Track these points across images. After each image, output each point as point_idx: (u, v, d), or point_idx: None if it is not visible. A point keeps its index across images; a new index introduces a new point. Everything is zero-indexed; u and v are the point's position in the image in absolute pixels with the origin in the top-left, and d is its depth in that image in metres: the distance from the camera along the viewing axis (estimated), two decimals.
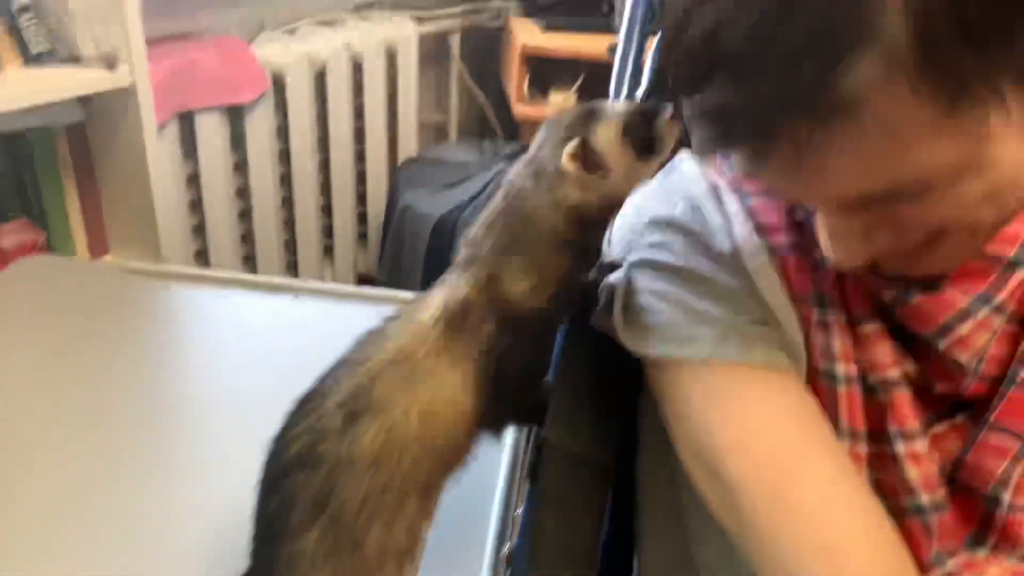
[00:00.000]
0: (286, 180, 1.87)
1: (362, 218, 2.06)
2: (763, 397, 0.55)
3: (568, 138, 0.57)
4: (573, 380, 0.65)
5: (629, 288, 0.60)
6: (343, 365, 0.60)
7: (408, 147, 2.06)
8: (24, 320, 1.04)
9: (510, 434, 0.72)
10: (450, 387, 0.59)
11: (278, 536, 0.58)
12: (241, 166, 1.77)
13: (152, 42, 1.36)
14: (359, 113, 1.93)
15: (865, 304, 0.55)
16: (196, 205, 1.71)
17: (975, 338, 0.52)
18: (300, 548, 0.57)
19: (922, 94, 0.39)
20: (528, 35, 1.92)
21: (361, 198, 2.03)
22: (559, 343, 0.67)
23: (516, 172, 0.61)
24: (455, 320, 0.59)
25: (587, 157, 0.57)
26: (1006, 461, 0.53)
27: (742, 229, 0.58)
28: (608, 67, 0.86)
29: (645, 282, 0.59)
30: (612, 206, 0.61)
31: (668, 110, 0.58)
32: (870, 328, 0.55)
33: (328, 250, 2.03)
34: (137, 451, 0.87)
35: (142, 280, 1.12)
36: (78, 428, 0.90)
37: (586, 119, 0.59)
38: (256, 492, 0.60)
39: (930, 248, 0.49)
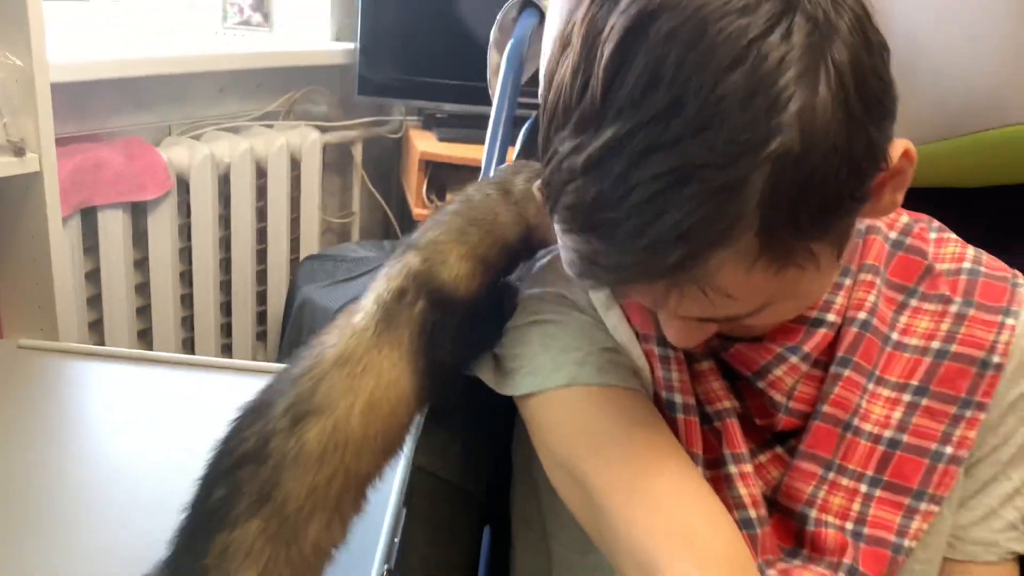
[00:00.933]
0: (186, 278, 1.91)
1: (262, 317, 2.10)
2: (618, 412, 0.62)
3: (540, 177, 0.63)
4: (447, 415, 0.72)
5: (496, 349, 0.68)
6: (286, 379, 0.63)
7: (310, 248, 2.13)
8: None
9: (401, 467, 0.78)
10: (389, 368, 0.62)
11: (217, 525, 0.59)
12: (142, 263, 1.80)
13: (60, 142, 1.42)
14: (262, 215, 2.00)
15: (699, 346, 0.64)
16: (95, 301, 1.73)
17: (786, 379, 0.62)
18: (238, 537, 0.59)
19: (759, 268, 0.49)
20: (425, 144, 2.06)
21: (261, 297, 2.08)
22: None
23: (476, 189, 0.68)
24: (390, 306, 0.63)
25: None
26: (812, 484, 0.63)
27: None
28: None
29: (509, 339, 0.68)
30: (542, 244, 0.68)
31: None
32: (705, 365, 0.64)
33: (227, 348, 2.05)
34: (33, 519, 0.88)
35: (35, 356, 1.14)
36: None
37: None
38: (197, 486, 0.62)
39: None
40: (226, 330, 2.03)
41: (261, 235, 2.02)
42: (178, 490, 0.62)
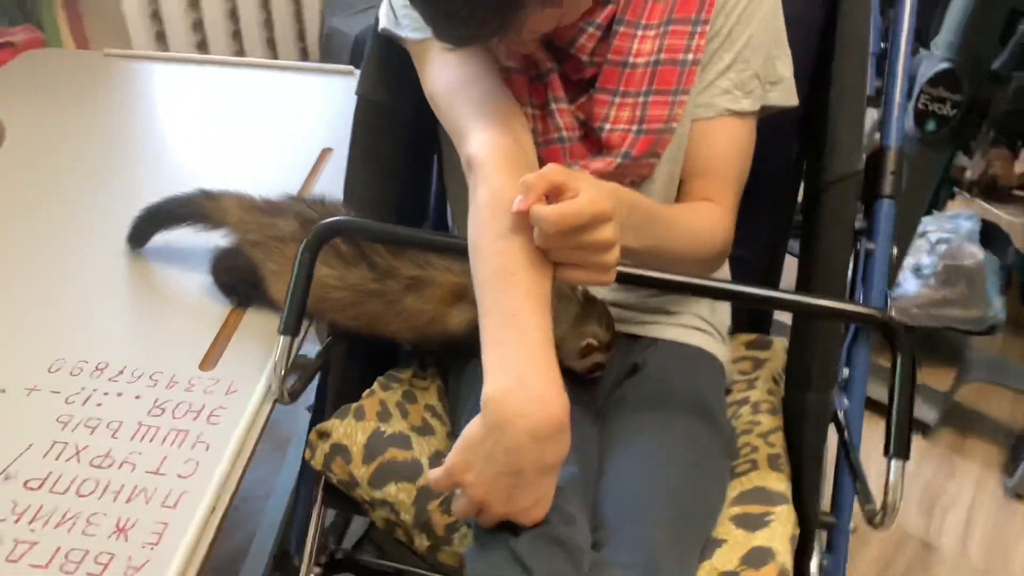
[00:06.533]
0: (233, 15, 2.24)
1: (304, 48, 2.44)
2: (467, 51, 0.91)
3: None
4: (384, 49, 1.03)
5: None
6: None
7: None
8: (31, 91, 1.44)
9: None
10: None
11: None
12: (195, 4, 2.13)
13: None
14: None
15: None
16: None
17: (587, 44, 0.91)
18: None
19: (548, 7, 0.76)
20: None
21: (300, 34, 2.41)
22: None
23: None
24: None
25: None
26: (605, 107, 0.93)
27: None
28: None
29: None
30: None
31: None
32: (532, 46, 0.91)
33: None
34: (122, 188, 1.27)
35: (120, 62, 1.52)
36: (80, 170, 1.28)
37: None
38: None
39: None
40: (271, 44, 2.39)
41: None
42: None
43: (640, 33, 0.93)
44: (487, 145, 0.84)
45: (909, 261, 1.98)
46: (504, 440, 0.68)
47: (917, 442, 1.91)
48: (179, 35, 2.09)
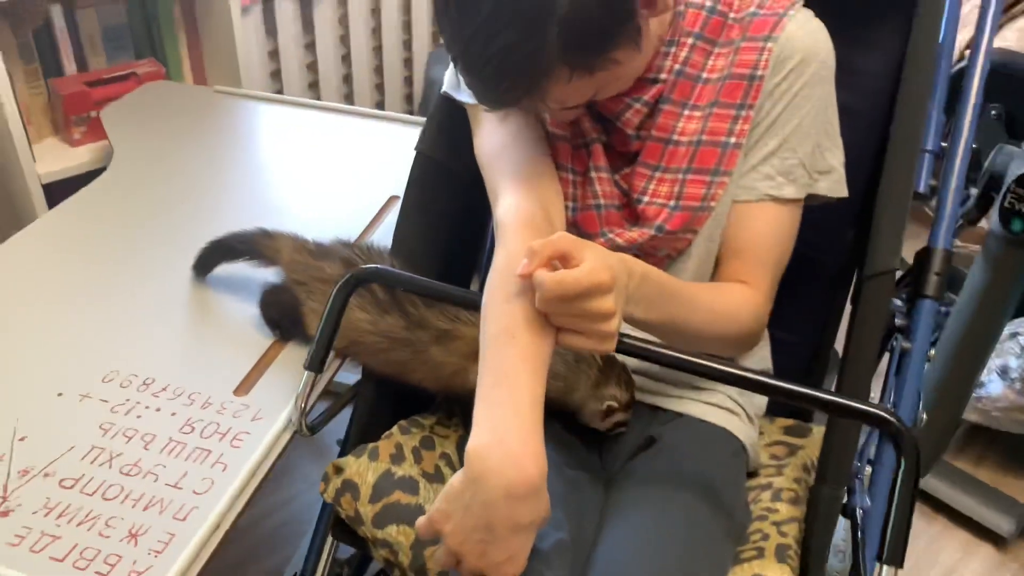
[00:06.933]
0: (346, 60, 2.37)
1: (409, 99, 2.56)
2: (517, 126, 0.97)
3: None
4: (446, 110, 1.10)
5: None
6: None
7: None
8: (150, 119, 1.58)
9: None
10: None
11: None
12: (311, 46, 2.28)
13: None
14: (407, 8, 2.41)
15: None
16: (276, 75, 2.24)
17: (633, 119, 0.94)
18: None
19: (576, 79, 0.79)
20: None
21: (408, 81, 2.53)
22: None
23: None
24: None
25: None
26: (645, 180, 0.96)
27: None
28: None
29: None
30: None
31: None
32: (579, 110, 0.94)
33: (379, 105, 2.52)
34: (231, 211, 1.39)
35: (228, 98, 1.65)
36: (172, 197, 1.40)
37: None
38: None
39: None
40: (380, 89, 2.51)
41: (406, 26, 2.44)
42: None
43: (687, 113, 0.95)
44: (512, 210, 0.88)
45: (995, 362, 1.88)
46: (480, 494, 0.70)
47: (989, 553, 1.79)
48: (293, 75, 2.24)
